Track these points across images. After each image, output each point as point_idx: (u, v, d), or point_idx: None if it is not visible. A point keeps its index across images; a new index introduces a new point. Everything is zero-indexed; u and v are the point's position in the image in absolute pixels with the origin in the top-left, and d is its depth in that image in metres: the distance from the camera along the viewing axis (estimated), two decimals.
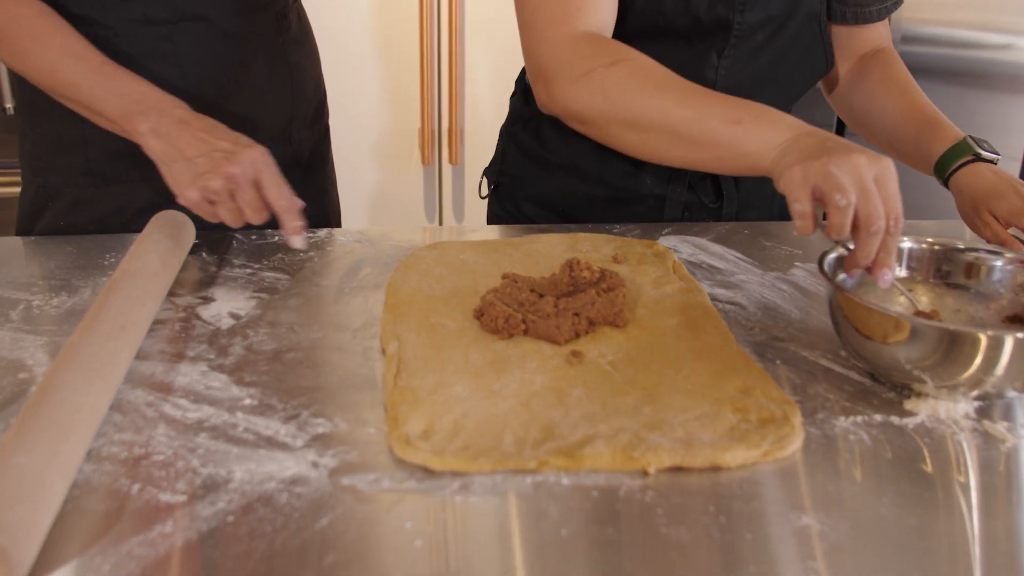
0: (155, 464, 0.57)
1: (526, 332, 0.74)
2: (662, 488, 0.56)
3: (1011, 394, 0.67)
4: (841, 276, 0.73)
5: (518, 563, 0.50)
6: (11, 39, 0.88)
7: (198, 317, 0.78)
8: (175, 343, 0.73)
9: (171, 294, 0.82)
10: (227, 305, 0.80)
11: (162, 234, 0.83)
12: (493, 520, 0.53)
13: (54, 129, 1.00)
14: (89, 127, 0.93)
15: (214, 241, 0.95)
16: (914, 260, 0.78)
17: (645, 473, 0.57)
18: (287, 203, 0.82)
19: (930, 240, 0.77)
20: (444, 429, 0.61)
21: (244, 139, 0.84)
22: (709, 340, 0.74)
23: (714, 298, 0.84)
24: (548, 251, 0.93)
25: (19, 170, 1.07)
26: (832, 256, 0.73)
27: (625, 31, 0.99)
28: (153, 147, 0.84)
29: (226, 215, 0.82)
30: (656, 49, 0.98)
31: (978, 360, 0.63)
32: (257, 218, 0.82)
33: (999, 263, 0.76)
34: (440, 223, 2.42)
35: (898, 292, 0.75)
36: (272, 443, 0.60)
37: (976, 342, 0.62)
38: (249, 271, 0.88)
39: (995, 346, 0.62)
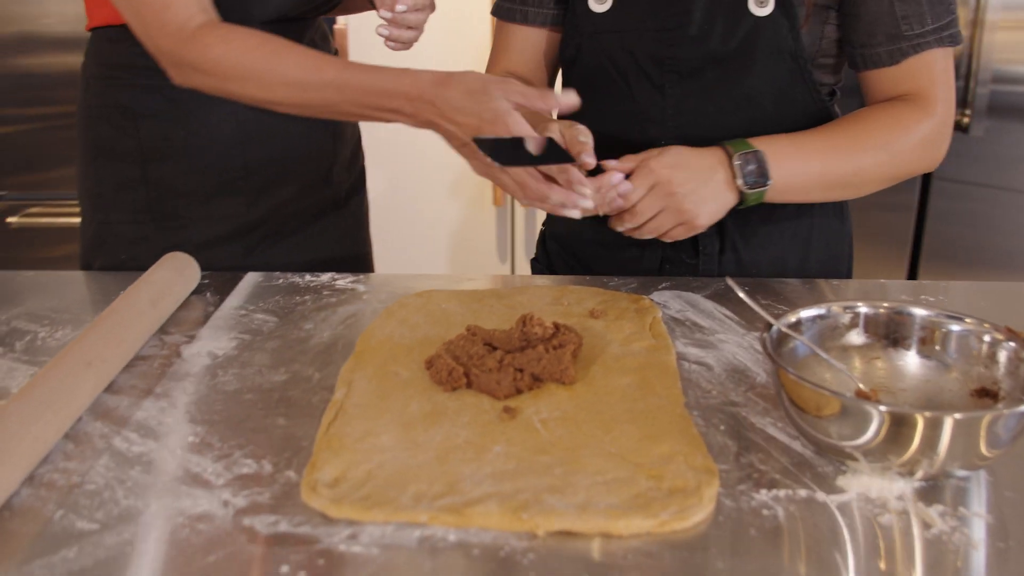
0: (84, 493, 0.62)
1: (469, 385, 0.75)
2: (545, 552, 0.57)
3: (962, 473, 0.64)
4: (793, 344, 0.72)
5: None
6: (254, 70, 0.90)
7: (179, 355, 0.83)
8: (147, 379, 0.78)
9: (163, 331, 0.88)
10: (209, 344, 0.86)
11: (161, 274, 0.90)
12: (365, 571, 0.55)
13: (117, 169, 1.09)
14: (152, 167, 1.02)
15: (222, 282, 1.02)
16: (871, 326, 0.74)
17: (535, 535, 0.58)
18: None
19: (887, 305, 0.74)
20: (355, 478, 0.63)
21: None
22: (654, 402, 0.73)
23: (684, 357, 0.83)
24: (530, 303, 0.94)
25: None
26: (775, 328, 0.71)
27: (576, 72, 1.05)
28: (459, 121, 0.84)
29: (519, 190, 0.86)
30: (604, 90, 1.02)
31: (915, 442, 0.60)
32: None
33: (960, 329, 0.72)
34: (512, 264, 2.46)
35: (861, 359, 0.73)
36: (196, 480, 0.64)
37: (911, 423, 0.60)
38: (243, 312, 0.93)
39: (933, 427, 0.59)
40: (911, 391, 0.72)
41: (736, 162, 0.91)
